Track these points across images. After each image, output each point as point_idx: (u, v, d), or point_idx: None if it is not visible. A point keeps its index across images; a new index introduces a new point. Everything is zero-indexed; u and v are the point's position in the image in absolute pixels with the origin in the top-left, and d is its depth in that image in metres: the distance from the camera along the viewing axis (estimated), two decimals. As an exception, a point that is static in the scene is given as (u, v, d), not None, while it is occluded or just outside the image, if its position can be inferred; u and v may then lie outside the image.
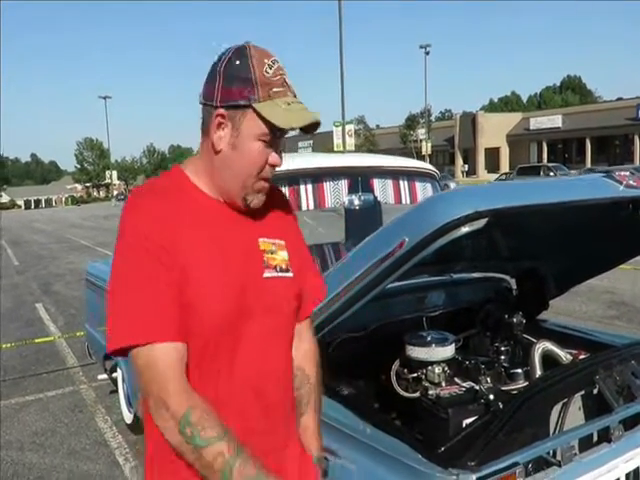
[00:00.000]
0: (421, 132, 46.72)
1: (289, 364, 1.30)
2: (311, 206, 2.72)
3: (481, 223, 1.47)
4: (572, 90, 78.77)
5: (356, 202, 2.88)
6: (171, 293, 1.09)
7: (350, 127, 25.60)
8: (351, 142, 24.57)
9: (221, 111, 1.14)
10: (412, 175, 3.11)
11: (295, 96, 1.17)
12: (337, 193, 2.81)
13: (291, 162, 2.80)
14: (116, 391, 4.10)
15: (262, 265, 1.21)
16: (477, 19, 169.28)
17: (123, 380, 3.84)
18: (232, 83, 1.12)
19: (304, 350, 1.37)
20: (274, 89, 1.12)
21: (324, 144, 33.75)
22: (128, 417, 3.86)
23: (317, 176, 2.74)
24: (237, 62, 1.13)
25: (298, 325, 1.34)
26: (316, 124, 1.17)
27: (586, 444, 1.76)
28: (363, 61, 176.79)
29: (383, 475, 1.55)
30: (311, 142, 48.93)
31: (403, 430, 1.73)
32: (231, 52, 1.15)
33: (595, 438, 1.80)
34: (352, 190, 2.87)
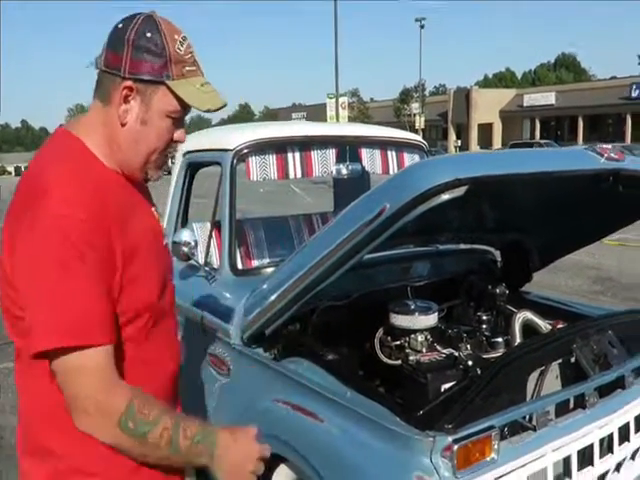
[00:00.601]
0: (415, 106, 46.38)
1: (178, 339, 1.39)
2: (299, 174, 2.71)
3: (461, 191, 1.47)
4: (566, 68, 78.34)
5: (344, 171, 2.87)
6: (106, 296, 1.07)
7: (344, 100, 25.38)
8: (344, 115, 24.37)
9: (129, 83, 1.10)
10: (400, 146, 3.10)
11: (203, 75, 1.18)
12: (325, 162, 2.79)
13: (279, 130, 2.79)
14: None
15: (162, 234, 1.28)
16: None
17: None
18: (143, 56, 1.09)
19: None
20: (187, 67, 1.12)
21: (317, 117, 33.47)
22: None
23: (305, 144, 2.72)
24: (148, 34, 1.10)
25: None
26: (224, 107, 1.20)
27: (562, 410, 1.80)
28: (358, 34, 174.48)
29: (363, 437, 1.59)
30: (304, 114, 48.50)
31: (383, 395, 1.77)
32: (139, 21, 1.12)
33: (571, 405, 1.84)
34: (340, 160, 2.86)
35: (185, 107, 1.15)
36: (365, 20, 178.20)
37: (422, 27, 41.17)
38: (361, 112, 50.52)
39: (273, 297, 1.94)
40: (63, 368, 1.04)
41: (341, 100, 24.57)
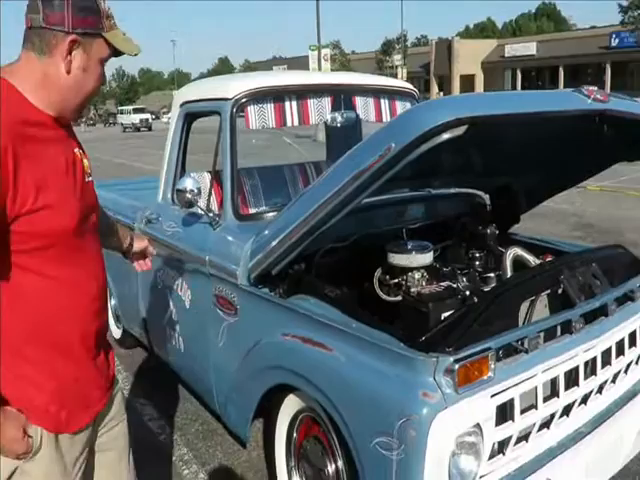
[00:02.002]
0: (397, 58, 45.76)
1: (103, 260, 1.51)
2: (295, 122, 2.77)
3: (461, 130, 1.56)
4: (547, 17, 77.36)
5: (339, 119, 2.93)
6: None
7: (326, 51, 24.90)
8: (327, 67, 23.95)
9: (74, 37, 1.29)
10: (393, 94, 3.16)
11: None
12: (321, 110, 2.85)
13: (277, 79, 2.83)
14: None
15: (84, 171, 1.43)
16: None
17: (110, 295, 3.95)
18: (82, 13, 1.29)
19: None
20: (112, 21, 1.35)
21: (300, 69, 32.88)
22: (117, 332, 4.00)
23: (302, 93, 2.77)
24: None
25: None
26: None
27: (550, 336, 1.95)
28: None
29: (371, 362, 1.71)
30: (285, 67, 47.53)
31: (387, 326, 1.89)
32: None
33: (559, 332, 1.99)
34: (335, 108, 2.92)
35: (116, 54, 1.37)
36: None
37: (404, -25, 40.22)
38: (342, 64, 49.72)
39: (279, 238, 2.03)
40: None
41: (323, 52, 24.11)
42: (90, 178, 1.46)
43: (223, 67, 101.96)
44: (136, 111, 44.33)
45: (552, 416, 1.91)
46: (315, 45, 23.50)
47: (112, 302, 3.88)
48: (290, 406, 2.16)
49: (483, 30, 78.34)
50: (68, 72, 1.30)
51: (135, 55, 1.39)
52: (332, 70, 27.44)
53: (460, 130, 1.56)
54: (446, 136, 1.55)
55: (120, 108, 51.93)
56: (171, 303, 2.88)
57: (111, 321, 4.03)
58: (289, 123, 2.75)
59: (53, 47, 1.28)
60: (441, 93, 46.29)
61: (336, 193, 1.81)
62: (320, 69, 23.19)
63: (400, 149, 1.58)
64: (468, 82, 46.79)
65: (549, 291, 2.06)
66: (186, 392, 3.34)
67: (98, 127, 50.27)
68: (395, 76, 41.79)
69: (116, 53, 1.37)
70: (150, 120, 42.90)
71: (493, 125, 1.82)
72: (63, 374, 1.36)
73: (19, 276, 1.27)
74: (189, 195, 2.49)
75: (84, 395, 1.41)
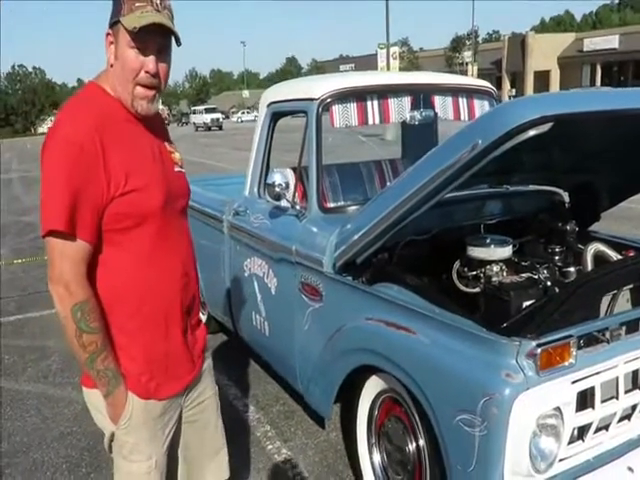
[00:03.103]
0: (467, 55, 44.85)
1: (192, 244, 1.67)
2: (377, 121, 2.90)
3: (546, 127, 1.63)
4: (631, 8, 73.43)
5: (418, 117, 3.03)
6: (96, 201, 1.36)
7: (395, 49, 24.81)
8: (395, 65, 23.88)
9: (108, 30, 1.42)
10: (470, 92, 3.22)
11: (158, 8, 1.38)
12: (401, 109, 2.96)
13: (360, 79, 2.96)
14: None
15: (173, 162, 1.58)
16: None
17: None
18: (114, 6, 1.40)
19: None
20: (136, 4, 1.36)
21: (366, 68, 32.91)
22: (202, 317, 4.26)
23: (383, 92, 2.89)
24: None
25: None
26: (160, 25, 1.37)
27: (632, 329, 1.98)
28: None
29: (454, 345, 1.81)
30: (352, 66, 47.66)
31: (468, 313, 1.98)
32: None
33: (640, 326, 2.01)
34: (414, 107, 3.02)
35: (134, 35, 1.37)
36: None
37: (476, -30, 39.35)
38: (411, 62, 49.24)
39: (366, 228, 2.17)
40: (49, 250, 1.39)
41: (392, 50, 24.05)
42: (181, 169, 1.62)
43: (291, 67, 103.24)
44: (208, 111, 45.78)
45: (633, 408, 1.95)
46: (384, 43, 23.49)
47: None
48: (372, 387, 2.30)
49: (560, 24, 75.44)
50: (112, 64, 1.43)
51: (135, 29, 1.35)
52: (400, 68, 27.32)
53: (545, 127, 1.63)
54: (532, 133, 1.62)
55: (193, 108, 53.73)
56: (257, 289, 3.08)
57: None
58: (370, 122, 2.88)
59: (106, 45, 1.44)
60: (513, 90, 44.96)
61: (422, 187, 1.92)
62: (389, 67, 23.15)
63: (486, 145, 1.68)
64: (543, 78, 45.19)
65: (632, 286, 2.09)
66: (266, 375, 3.55)
67: (172, 127, 52.16)
68: (465, 73, 41.04)
69: (135, 33, 1.36)
70: (221, 119, 44.19)
71: (576, 123, 1.87)
72: (153, 348, 1.51)
73: (110, 253, 1.44)
74: (278, 189, 2.68)
75: (173, 368, 1.56)
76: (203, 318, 4.26)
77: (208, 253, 3.58)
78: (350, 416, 2.46)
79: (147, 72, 1.41)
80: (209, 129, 41.97)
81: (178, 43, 1.46)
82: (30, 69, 69.18)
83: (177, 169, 1.60)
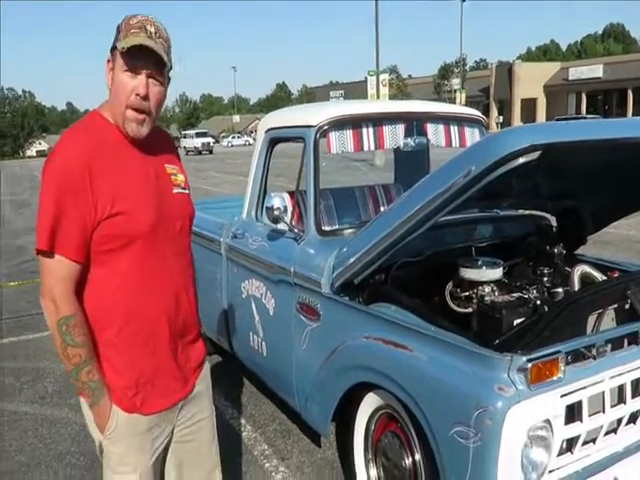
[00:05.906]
0: (455, 82, 45.71)
1: (191, 263, 1.72)
2: (372, 147, 3.03)
3: (535, 155, 1.75)
4: (615, 38, 75.45)
5: (411, 144, 3.16)
6: (82, 224, 1.43)
7: (384, 77, 25.26)
8: (385, 92, 24.28)
9: (108, 57, 1.50)
10: (461, 121, 3.37)
11: (152, 36, 1.45)
12: (395, 136, 3.09)
13: (356, 107, 3.09)
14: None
15: (171, 184, 1.62)
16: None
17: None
18: (115, 34, 1.48)
19: None
20: (132, 31, 1.44)
21: (355, 94, 33.43)
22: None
23: (378, 120, 3.02)
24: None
25: None
26: (147, 48, 1.43)
27: (617, 346, 2.08)
28: (394, 7, 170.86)
29: (449, 361, 1.90)
30: (342, 92, 48.36)
31: (461, 331, 2.07)
32: None
33: (626, 344, 2.12)
34: (407, 134, 3.15)
35: (127, 59, 1.44)
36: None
37: (464, 0, 40.40)
38: (400, 89, 50.02)
39: (363, 251, 2.26)
40: (41, 267, 1.48)
41: (382, 77, 24.47)
42: (183, 190, 1.65)
43: (280, 92, 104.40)
44: (199, 135, 46.07)
45: (619, 422, 2.04)
46: (374, 70, 23.90)
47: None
48: (369, 403, 2.37)
49: (546, 52, 77.19)
50: (110, 89, 1.50)
51: (124, 49, 1.41)
52: (389, 95, 27.77)
53: (534, 155, 1.75)
54: (522, 160, 1.74)
55: (184, 132, 54.05)
56: (254, 310, 3.15)
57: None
58: (366, 148, 3.01)
59: (106, 72, 1.51)
60: (501, 117, 45.75)
61: (419, 210, 2.02)
62: (378, 94, 23.55)
63: (479, 171, 1.79)
64: (529, 106, 46.15)
65: (616, 305, 2.20)
66: (262, 394, 3.60)
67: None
68: (453, 100, 41.74)
69: (127, 57, 1.43)
70: (212, 144, 44.50)
71: (564, 151, 1.99)
72: (140, 364, 1.55)
73: (98, 272, 1.50)
74: (276, 212, 2.77)
75: (162, 385, 1.58)
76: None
77: (204, 275, 3.65)
78: (347, 433, 2.53)
79: (137, 95, 1.47)
80: (199, 153, 42.22)
81: (166, 68, 1.50)
82: (20, 92, 69.39)
83: (177, 190, 1.63)
